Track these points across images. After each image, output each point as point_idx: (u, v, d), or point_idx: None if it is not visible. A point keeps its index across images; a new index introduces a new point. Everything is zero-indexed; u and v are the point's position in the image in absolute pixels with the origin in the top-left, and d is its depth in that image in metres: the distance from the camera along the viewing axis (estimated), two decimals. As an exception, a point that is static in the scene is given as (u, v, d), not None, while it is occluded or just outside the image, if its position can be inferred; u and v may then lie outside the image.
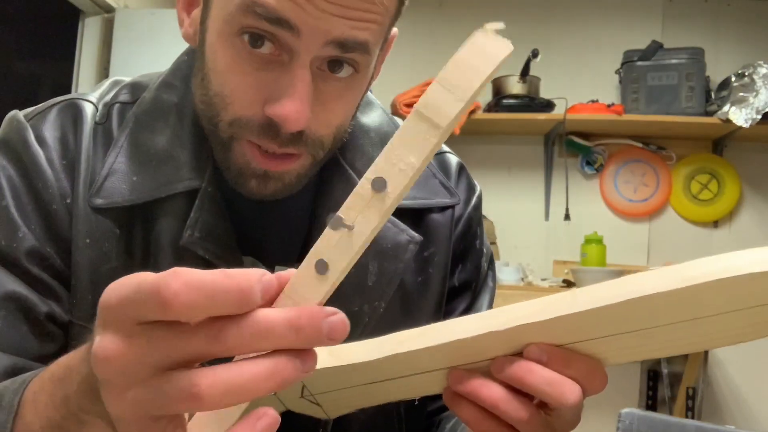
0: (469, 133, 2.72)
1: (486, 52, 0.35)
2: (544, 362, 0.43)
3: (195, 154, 0.62)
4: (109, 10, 2.61)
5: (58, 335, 0.60)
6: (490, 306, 0.76)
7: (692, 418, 2.50)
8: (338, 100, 0.57)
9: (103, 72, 2.56)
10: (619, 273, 2.56)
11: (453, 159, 0.77)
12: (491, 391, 0.44)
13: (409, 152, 0.35)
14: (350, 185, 0.64)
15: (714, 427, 1.21)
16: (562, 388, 0.43)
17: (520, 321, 0.42)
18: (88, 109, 0.65)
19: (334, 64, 0.55)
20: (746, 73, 2.54)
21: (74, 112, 0.64)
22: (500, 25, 0.36)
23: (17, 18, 2.35)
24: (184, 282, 0.30)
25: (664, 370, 2.54)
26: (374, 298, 0.65)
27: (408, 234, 0.66)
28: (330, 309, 0.33)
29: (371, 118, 0.72)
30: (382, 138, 0.70)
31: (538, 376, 0.43)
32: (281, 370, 0.32)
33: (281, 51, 0.53)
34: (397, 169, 0.35)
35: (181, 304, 0.30)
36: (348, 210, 0.35)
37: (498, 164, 2.94)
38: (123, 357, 0.31)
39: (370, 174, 0.35)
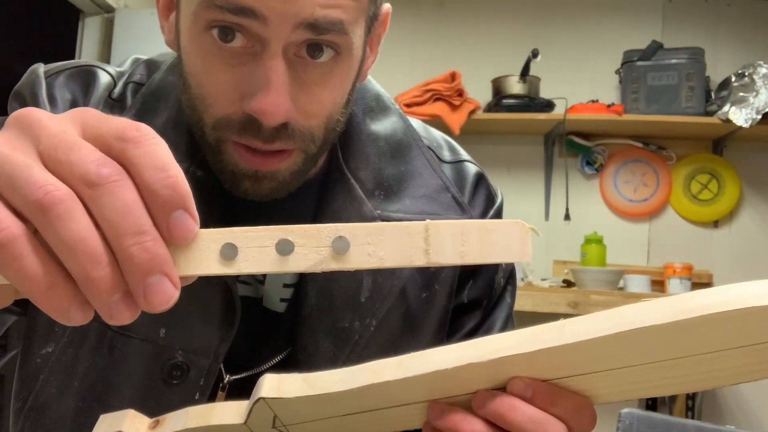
0: (469, 133, 2.72)
1: (510, 245, 0.36)
2: (528, 398, 0.40)
3: (188, 137, 0.61)
4: (109, 10, 2.61)
5: None
6: (506, 323, 0.72)
7: (692, 418, 2.50)
8: (322, 86, 0.54)
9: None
10: (619, 273, 2.57)
11: (471, 169, 0.72)
12: (473, 427, 0.41)
13: (388, 249, 0.34)
14: (352, 195, 0.63)
15: (714, 427, 1.21)
16: (546, 427, 0.40)
17: (504, 352, 0.39)
18: (103, 79, 0.65)
19: (313, 49, 0.52)
20: (746, 73, 2.54)
21: (88, 78, 0.64)
22: (537, 233, 0.37)
23: (17, 18, 2.35)
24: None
25: (664, 370, 2.54)
26: (366, 315, 0.62)
27: None
28: (172, 274, 0.31)
29: (383, 125, 0.68)
30: (393, 147, 0.67)
31: (521, 413, 0.40)
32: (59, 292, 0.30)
33: (253, 42, 0.51)
34: (365, 250, 0.34)
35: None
36: (299, 235, 0.34)
37: (498, 164, 2.94)
38: (40, 126, 0.31)
39: (341, 228, 0.34)
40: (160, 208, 0.31)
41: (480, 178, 0.72)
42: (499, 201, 0.73)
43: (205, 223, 0.60)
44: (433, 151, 0.70)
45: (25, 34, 2.41)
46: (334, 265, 0.34)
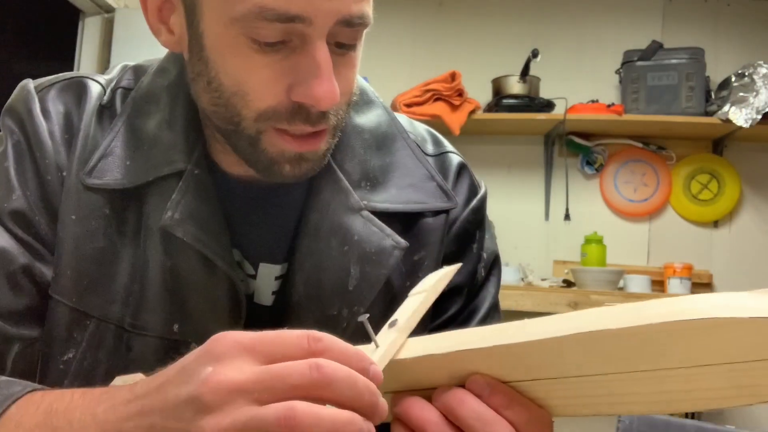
0: (469, 133, 2.72)
1: (445, 270, 0.58)
2: (485, 396, 0.40)
3: (184, 137, 0.63)
4: (109, 10, 2.61)
5: (29, 290, 0.61)
6: (489, 311, 0.73)
7: (692, 418, 2.50)
8: (349, 67, 0.58)
9: (103, 72, 2.56)
10: (619, 273, 2.57)
11: (454, 159, 0.74)
12: (422, 413, 0.41)
13: (407, 306, 0.50)
14: (339, 187, 0.65)
15: (714, 427, 1.21)
16: (494, 427, 0.40)
17: (461, 346, 0.40)
18: (94, 89, 0.66)
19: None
20: (746, 73, 2.54)
21: (80, 90, 0.66)
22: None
23: (17, 18, 2.35)
24: (333, 370, 0.38)
25: (664, 370, 2.54)
26: (354, 303, 0.64)
27: (393, 239, 0.64)
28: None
29: (368, 117, 0.70)
30: (379, 139, 0.69)
31: (469, 408, 0.40)
32: (356, 420, 0.37)
33: (291, 37, 0.54)
34: (403, 312, 0.50)
35: (328, 386, 0.38)
36: (377, 339, 0.45)
37: (498, 164, 2.94)
38: (242, 388, 0.37)
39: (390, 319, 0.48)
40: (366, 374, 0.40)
41: (462, 168, 0.74)
42: (482, 192, 0.74)
43: (207, 217, 0.61)
44: (418, 145, 0.72)
45: (25, 34, 2.41)
46: (400, 329, 0.47)
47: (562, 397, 0.40)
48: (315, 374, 0.37)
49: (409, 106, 2.67)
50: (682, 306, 0.34)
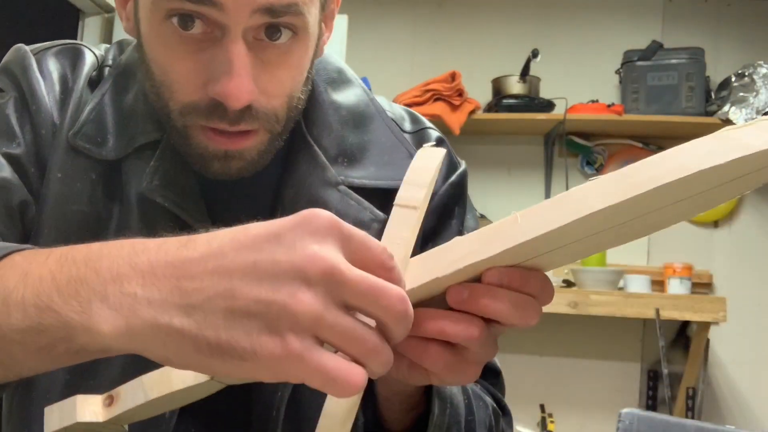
0: (469, 133, 2.72)
1: (431, 156, 0.58)
2: (504, 284, 0.42)
3: None
4: (109, 10, 2.61)
5: (18, 231, 0.61)
6: None
7: (692, 418, 2.50)
8: (282, 66, 0.57)
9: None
10: (619, 273, 2.57)
11: (432, 134, 0.74)
12: (461, 324, 0.42)
13: (401, 230, 0.49)
14: (315, 161, 0.65)
15: (714, 427, 1.21)
16: (527, 308, 0.42)
17: (467, 261, 0.41)
18: (89, 58, 0.67)
19: (271, 32, 0.55)
20: (746, 73, 2.54)
21: (76, 55, 0.67)
22: (433, 144, 0.67)
23: (17, 18, 2.35)
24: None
25: (664, 371, 2.54)
26: None
27: (371, 212, 0.65)
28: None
29: (346, 95, 0.70)
30: (356, 117, 0.69)
31: (505, 299, 0.41)
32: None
33: (212, 28, 0.53)
34: (395, 244, 0.50)
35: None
36: None
37: (498, 164, 2.93)
38: (342, 280, 0.36)
39: None
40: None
41: (440, 143, 0.73)
42: (462, 168, 0.74)
43: (185, 185, 0.62)
44: (396, 123, 0.72)
45: (25, 34, 2.41)
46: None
47: (557, 260, 0.43)
48: (403, 309, 0.37)
49: (409, 106, 2.66)
50: (668, 165, 0.37)
